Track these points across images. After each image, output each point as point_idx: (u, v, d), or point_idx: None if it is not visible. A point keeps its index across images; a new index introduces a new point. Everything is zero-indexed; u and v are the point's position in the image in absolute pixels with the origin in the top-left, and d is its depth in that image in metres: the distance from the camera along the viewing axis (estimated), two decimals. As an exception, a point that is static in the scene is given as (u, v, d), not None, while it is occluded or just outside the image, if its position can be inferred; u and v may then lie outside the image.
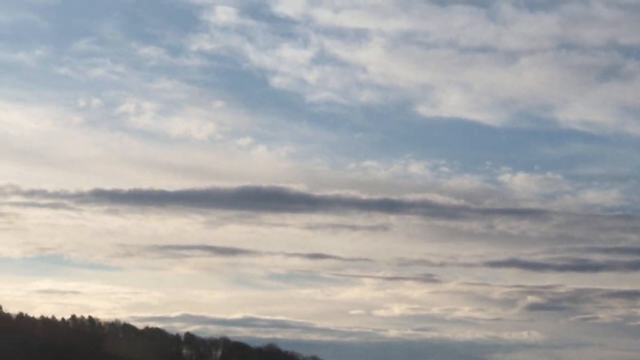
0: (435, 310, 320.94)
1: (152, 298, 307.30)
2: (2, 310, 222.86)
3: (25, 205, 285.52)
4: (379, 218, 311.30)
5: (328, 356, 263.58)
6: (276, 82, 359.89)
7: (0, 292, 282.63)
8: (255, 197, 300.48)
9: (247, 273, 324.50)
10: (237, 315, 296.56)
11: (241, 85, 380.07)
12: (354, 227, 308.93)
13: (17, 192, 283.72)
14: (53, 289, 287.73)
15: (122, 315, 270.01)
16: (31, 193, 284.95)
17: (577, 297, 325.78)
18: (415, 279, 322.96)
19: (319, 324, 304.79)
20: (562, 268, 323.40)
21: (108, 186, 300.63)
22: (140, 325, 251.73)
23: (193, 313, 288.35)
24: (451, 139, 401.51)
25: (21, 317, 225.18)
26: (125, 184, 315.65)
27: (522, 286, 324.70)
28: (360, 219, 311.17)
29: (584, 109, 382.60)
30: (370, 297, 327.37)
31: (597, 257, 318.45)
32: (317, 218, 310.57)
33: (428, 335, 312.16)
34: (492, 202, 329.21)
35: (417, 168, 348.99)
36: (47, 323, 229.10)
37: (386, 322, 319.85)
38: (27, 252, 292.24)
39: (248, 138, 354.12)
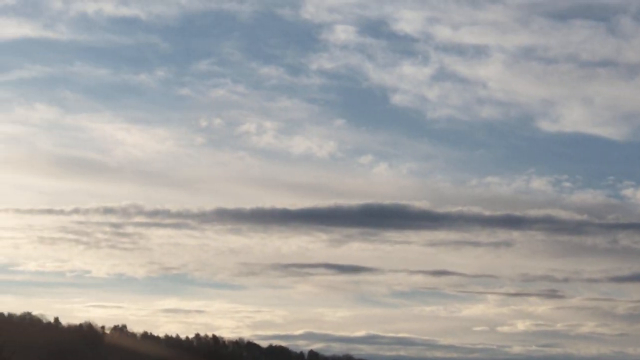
0: (559, 326, 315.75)
1: (275, 316, 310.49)
2: (127, 329, 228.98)
3: (149, 225, 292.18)
4: (502, 234, 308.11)
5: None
6: (396, 99, 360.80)
7: (125, 312, 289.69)
8: (378, 214, 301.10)
9: (370, 291, 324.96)
10: (361, 332, 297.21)
11: (361, 103, 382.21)
12: (477, 244, 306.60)
13: (141, 212, 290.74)
14: (177, 308, 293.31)
15: (246, 334, 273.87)
16: (154, 213, 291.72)
17: None
18: (539, 294, 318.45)
19: (442, 340, 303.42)
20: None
21: (230, 205, 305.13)
22: (264, 344, 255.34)
23: (316, 331, 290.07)
24: (573, 154, 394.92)
25: (146, 336, 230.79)
26: (247, 203, 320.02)
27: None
28: (483, 235, 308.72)
29: None
30: (494, 313, 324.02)
31: None
32: (440, 235, 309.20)
33: (552, 351, 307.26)
34: (616, 216, 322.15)
35: (539, 183, 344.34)
36: (171, 342, 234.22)
37: (510, 338, 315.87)
38: (152, 272, 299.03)
39: (369, 156, 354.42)
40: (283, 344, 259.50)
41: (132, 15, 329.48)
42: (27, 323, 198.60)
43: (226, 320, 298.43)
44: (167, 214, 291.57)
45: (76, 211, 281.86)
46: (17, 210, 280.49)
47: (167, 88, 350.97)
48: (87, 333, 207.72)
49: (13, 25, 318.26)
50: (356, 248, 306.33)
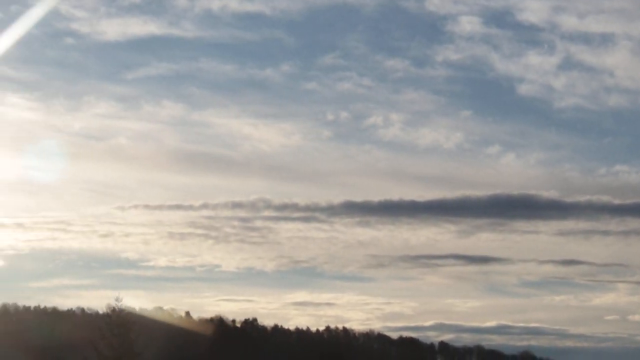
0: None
1: (405, 308, 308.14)
2: (257, 323, 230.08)
3: (278, 219, 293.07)
4: (632, 223, 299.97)
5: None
6: (523, 89, 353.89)
7: (255, 305, 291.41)
8: (506, 204, 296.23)
9: (499, 281, 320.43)
10: (491, 323, 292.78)
11: (488, 94, 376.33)
12: (606, 233, 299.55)
13: (269, 206, 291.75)
14: (307, 301, 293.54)
15: (376, 326, 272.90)
16: (283, 207, 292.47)
17: None
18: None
19: (573, 330, 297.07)
20: None
21: (358, 198, 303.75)
22: (394, 335, 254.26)
23: (447, 322, 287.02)
24: None
25: (276, 329, 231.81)
26: (375, 196, 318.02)
27: None
28: (612, 224, 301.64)
29: None
30: (625, 302, 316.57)
31: None
32: (569, 224, 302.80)
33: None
34: None
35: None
36: (302, 334, 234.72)
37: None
38: (281, 265, 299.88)
39: (496, 146, 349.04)
40: (413, 335, 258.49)
41: (256, 10, 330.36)
42: (158, 318, 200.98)
43: (356, 312, 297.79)
44: (295, 207, 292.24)
45: (205, 206, 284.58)
46: (147, 207, 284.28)
47: (292, 82, 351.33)
48: (217, 327, 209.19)
49: (139, 23, 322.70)
50: (485, 239, 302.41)
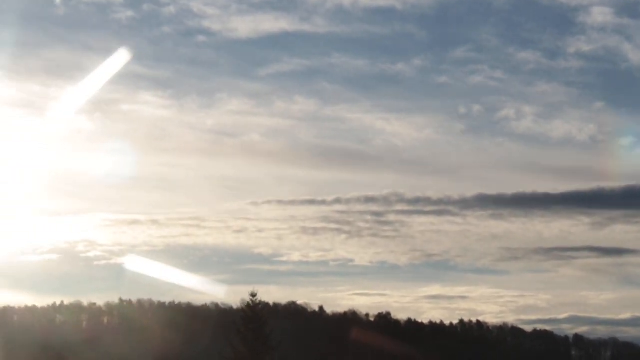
0: None
1: (539, 300, 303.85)
2: (391, 317, 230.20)
3: (411, 212, 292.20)
4: None
5: None
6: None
7: (389, 299, 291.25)
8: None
9: (635, 273, 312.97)
10: (626, 315, 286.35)
11: (621, 85, 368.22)
12: None
13: (402, 200, 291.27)
14: (440, 295, 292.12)
15: (510, 319, 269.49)
16: (416, 201, 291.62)
17: None
18: None
19: None
20: None
21: (491, 191, 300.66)
22: (528, 328, 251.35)
23: (581, 314, 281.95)
24: None
25: (410, 323, 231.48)
26: (508, 188, 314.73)
27: None
28: None
29: None
30: None
31: None
32: None
33: None
34: None
35: None
36: (435, 328, 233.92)
37: None
38: (414, 259, 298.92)
39: (630, 137, 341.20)
40: (547, 328, 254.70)
41: (387, 5, 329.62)
42: (292, 312, 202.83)
43: (490, 305, 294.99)
44: (428, 201, 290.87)
45: (338, 201, 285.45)
46: (280, 202, 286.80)
47: (424, 76, 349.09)
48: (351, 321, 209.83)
49: (270, 20, 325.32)
50: (619, 230, 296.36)
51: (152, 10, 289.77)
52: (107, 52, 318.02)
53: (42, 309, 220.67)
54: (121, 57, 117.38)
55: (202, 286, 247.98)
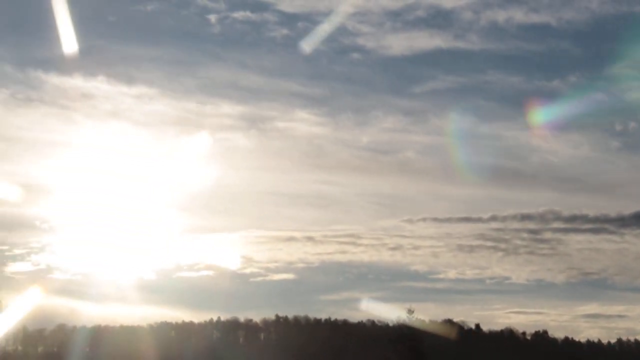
0: None
1: None
2: (548, 335, 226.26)
3: (567, 230, 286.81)
4: None
5: None
6: None
7: (545, 317, 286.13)
8: None
9: None
10: None
11: None
12: None
13: (559, 218, 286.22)
14: (598, 313, 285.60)
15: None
16: (572, 218, 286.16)
17: None
18: None
19: None
20: None
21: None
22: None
23: None
24: None
25: (567, 342, 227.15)
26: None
27: None
28: None
29: None
30: None
31: None
32: None
33: None
34: None
35: None
36: (593, 347, 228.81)
37: None
38: (571, 277, 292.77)
39: None
40: None
41: (542, 21, 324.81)
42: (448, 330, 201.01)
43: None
44: (584, 219, 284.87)
45: (494, 218, 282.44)
46: (435, 219, 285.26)
47: (580, 93, 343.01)
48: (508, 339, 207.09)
49: (425, 37, 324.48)
50: None
51: (306, 28, 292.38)
52: (262, 70, 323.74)
53: (199, 324, 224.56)
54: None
55: (358, 303, 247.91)
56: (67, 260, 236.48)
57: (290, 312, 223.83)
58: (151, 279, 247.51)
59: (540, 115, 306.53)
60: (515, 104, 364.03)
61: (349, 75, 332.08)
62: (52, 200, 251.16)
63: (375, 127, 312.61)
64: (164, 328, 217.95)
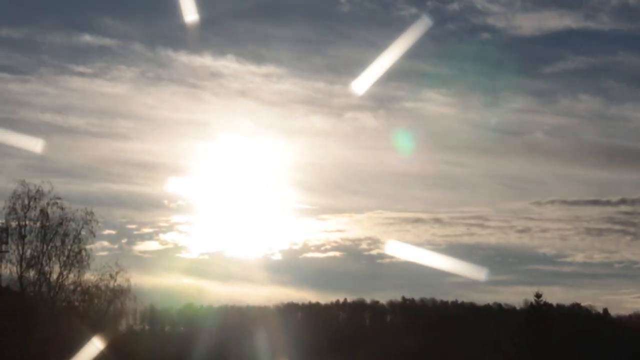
0: None
1: None
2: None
3: None
4: None
5: None
6: None
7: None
8: None
9: None
10: None
11: None
12: None
13: None
14: None
15: None
16: None
17: None
18: None
19: None
20: None
21: None
22: None
23: None
24: None
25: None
26: None
27: None
28: None
29: None
30: None
31: None
32: None
33: None
34: None
35: None
36: None
37: None
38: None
39: None
40: None
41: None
42: (575, 314, 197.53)
43: None
44: None
45: (623, 201, 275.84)
46: (564, 202, 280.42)
47: None
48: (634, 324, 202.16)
49: (555, 17, 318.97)
50: None
51: (436, 7, 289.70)
52: (390, 49, 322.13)
53: (326, 306, 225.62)
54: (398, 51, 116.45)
55: (485, 286, 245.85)
56: (195, 239, 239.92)
57: (416, 295, 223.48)
58: (278, 260, 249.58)
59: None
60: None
61: (478, 56, 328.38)
62: (181, 179, 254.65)
63: (503, 107, 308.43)
64: (291, 309, 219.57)
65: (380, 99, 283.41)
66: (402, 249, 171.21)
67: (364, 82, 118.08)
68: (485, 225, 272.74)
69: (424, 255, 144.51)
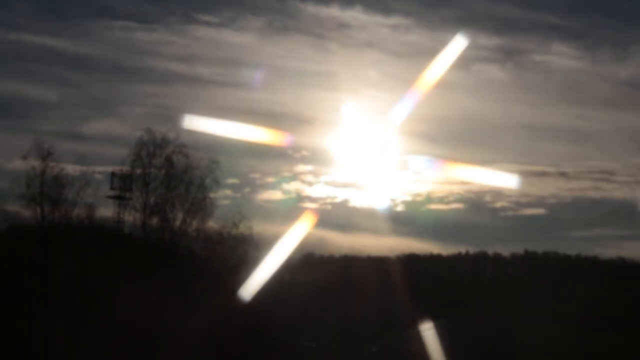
0: None
1: None
2: None
3: None
4: None
5: None
6: None
7: None
8: None
9: None
10: None
11: None
12: None
13: None
14: None
15: None
16: None
17: None
18: None
19: None
20: None
21: None
22: None
23: None
24: None
25: None
26: None
27: None
28: None
29: None
30: None
31: None
32: None
33: None
34: None
35: None
36: None
37: None
38: None
39: None
40: None
41: None
42: None
43: None
44: None
45: None
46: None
47: None
48: None
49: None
50: None
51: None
52: (520, 1, 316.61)
53: (447, 257, 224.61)
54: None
55: (609, 240, 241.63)
56: (318, 189, 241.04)
57: (539, 248, 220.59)
58: (401, 210, 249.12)
59: None
60: None
61: (609, 8, 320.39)
62: (305, 129, 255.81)
63: (633, 61, 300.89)
64: (412, 260, 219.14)
65: (508, 52, 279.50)
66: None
67: (492, 34, 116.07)
68: (612, 180, 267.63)
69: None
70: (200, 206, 79.45)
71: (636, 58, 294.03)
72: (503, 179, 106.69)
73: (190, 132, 78.56)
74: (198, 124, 75.83)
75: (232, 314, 73.55)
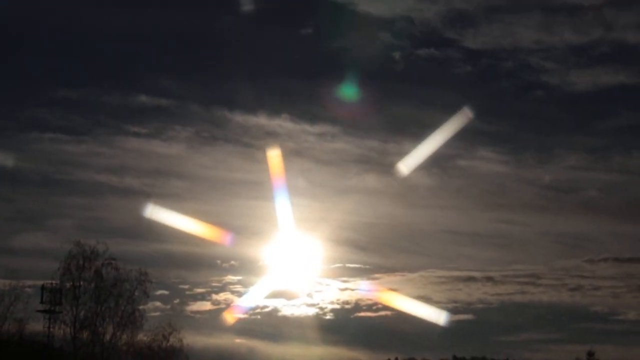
0: None
1: None
2: None
3: None
4: None
5: None
6: None
7: None
8: None
9: None
10: None
11: None
12: None
13: None
14: None
15: None
16: None
17: None
18: None
19: None
20: None
21: None
22: None
23: None
24: None
25: None
26: None
27: None
28: None
29: None
30: None
31: None
32: None
33: None
34: None
35: None
36: None
37: None
38: None
39: None
40: None
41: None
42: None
43: None
44: None
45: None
46: (616, 259, 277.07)
47: None
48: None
49: (609, 73, 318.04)
50: None
51: (490, 65, 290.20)
52: (447, 107, 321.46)
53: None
54: (463, 116, 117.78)
55: (536, 344, 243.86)
56: (247, 299, 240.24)
57: (467, 354, 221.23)
58: (330, 319, 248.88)
59: None
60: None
61: (533, 113, 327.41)
62: (234, 239, 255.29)
63: (557, 165, 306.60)
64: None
65: (434, 157, 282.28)
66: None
67: (417, 140, 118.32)
68: (538, 284, 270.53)
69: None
70: (130, 319, 79.22)
71: (559, 161, 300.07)
72: (433, 314, 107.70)
73: (120, 244, 79.00)
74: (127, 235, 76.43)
75: None
